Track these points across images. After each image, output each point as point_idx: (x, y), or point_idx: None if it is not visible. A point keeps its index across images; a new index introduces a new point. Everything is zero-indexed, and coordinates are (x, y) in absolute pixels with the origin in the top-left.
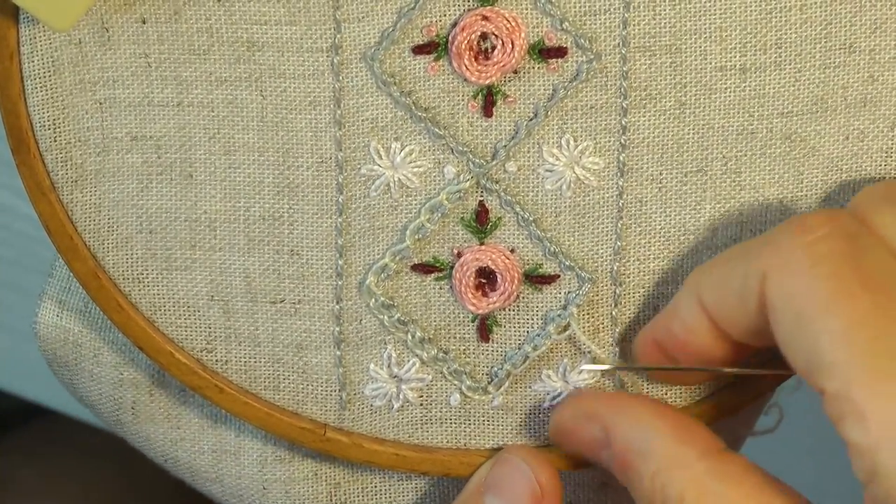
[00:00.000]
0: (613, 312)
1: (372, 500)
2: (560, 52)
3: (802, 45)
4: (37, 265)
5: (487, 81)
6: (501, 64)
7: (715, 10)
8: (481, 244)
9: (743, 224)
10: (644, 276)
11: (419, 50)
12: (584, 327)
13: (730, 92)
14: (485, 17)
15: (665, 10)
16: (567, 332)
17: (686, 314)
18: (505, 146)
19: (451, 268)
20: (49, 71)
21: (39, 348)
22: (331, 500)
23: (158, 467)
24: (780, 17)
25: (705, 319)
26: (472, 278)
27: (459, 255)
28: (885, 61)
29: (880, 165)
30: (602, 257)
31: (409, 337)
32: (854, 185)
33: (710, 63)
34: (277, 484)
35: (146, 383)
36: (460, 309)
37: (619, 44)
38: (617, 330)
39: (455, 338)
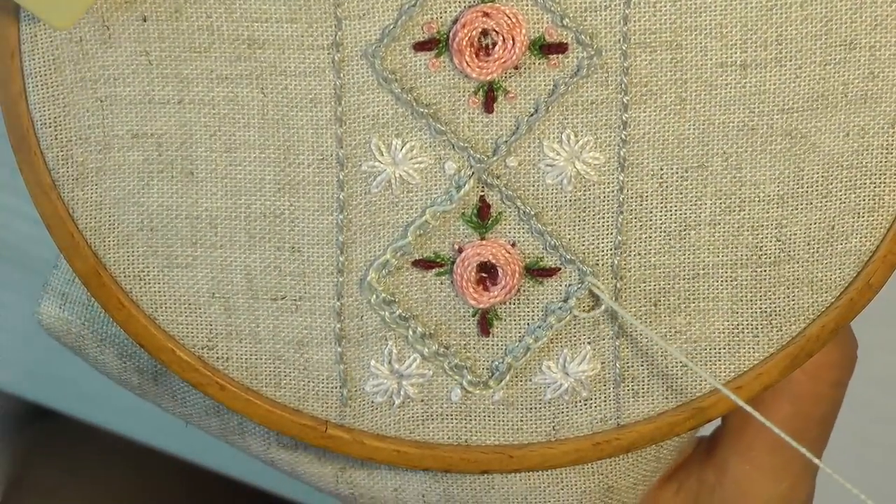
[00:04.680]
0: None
1: (378, 483)
2: (561, 48)
3: (803, 42)
4: (37, 265)
5: (488, 77)
6: (502, 60)
7: (715, 6)
8: (482, 239)
9: (743, 220)
10: (644, 270)
11: (420, 46)
12: (583, 321)
13: (730, 88)
14: (485, 14)
15: (665, 7)
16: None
17: None
18: (506, 141)
19: (452, 263)
20: (50, 69)
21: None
22: (337, 482)
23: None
24: (781, 13)
25: None
26: (473, 273)
27: (460, 250)
28: (886, 58)
29: (881, 162)
30: (602, 251)
31: (410, 333)
32: (854, 182)
33: (711, 59)
34: (283, 463)
35: (150, 371)
36: (461, 304)
37: (619, 40)
38: (616, 323)
39: (456, 333)
